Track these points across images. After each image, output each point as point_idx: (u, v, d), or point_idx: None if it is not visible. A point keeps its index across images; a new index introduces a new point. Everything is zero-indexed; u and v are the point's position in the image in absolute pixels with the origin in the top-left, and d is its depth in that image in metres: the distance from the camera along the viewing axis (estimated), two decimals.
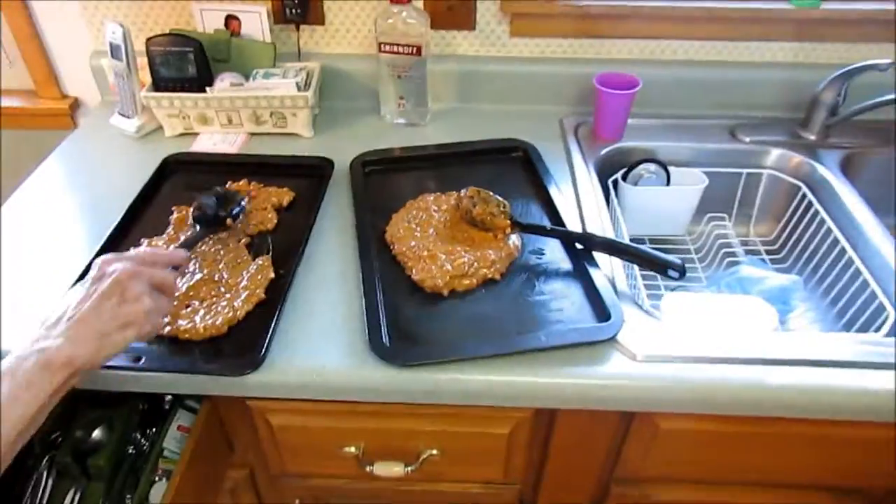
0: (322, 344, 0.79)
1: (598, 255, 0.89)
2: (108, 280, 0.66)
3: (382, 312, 0.82)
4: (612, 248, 0.88)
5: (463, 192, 0.94)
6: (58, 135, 1.28)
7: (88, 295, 0.65)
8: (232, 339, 0.79)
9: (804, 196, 1.07)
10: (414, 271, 0.86)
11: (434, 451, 0.87)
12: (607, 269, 0.88)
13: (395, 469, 0.87)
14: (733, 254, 1.12)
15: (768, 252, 1.14)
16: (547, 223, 0.96)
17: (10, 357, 0.60)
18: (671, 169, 1.12)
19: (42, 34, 1.24)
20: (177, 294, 0.81)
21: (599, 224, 0.97)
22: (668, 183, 1.13)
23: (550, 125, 1.20)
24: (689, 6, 1.15)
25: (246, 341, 0.78)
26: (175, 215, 0.96)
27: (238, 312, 0.80)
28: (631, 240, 1.09)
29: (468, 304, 0.84)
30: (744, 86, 1.21)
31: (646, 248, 0.86)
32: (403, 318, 0.82)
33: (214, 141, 1.13)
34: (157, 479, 0.85)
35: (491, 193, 0.93)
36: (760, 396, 0.75)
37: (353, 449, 0.87)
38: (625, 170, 1.12)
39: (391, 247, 0.92)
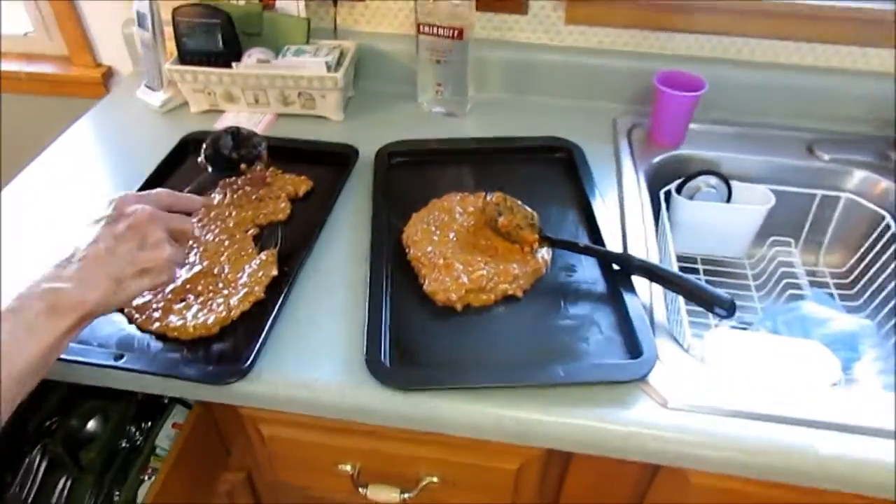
0: (317, 356, 0.72)
1: (637, 279, 0.78)
2: (126, 221, 0.62)
3: (386, 326, 0.74)
4: (653, 274, 0.77)
5: (489, 196, 0.84)
6: (90, 103, 1.25)
7: (104, 235, 0.61)
8: (222, 341, 0.73)
9: (888, 227, 0.93)
10: (427, 281, 0.78)
11: (434, 479, 0.79)
12: (646, 294, 0.78)
13: (390, 495, 0.79)
14: (797, 285, 0.99)
15: (838, 286, 1.01)
16: (583, 237, 0.86)
17: (14, 297, 0.55)
18: (734, 184, 1.00)
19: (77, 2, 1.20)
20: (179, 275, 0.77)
21: (643, 240, 0.86)
22: (728, 199, 1.00)
23: (602, 124, 1.09)
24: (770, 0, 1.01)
25: (235, 346, 0.72)
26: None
27: (232, 312, 0.74)
28: (680, 259, 0.99)
29: (483, 323, 0.75)
30: (829, 95, 1.06)
31: (692, 278, 0.75)
32: (409, 333, 0.74)
33: (239, 120, 1.07)
34: (146, 477, 0.80)
35: (519, 203, 0.84)
36: (810, 466, 0.63)
37: (348, 467, 0.80)
38: (680, 181, 1.00)
39: (407, 250, 0.83)
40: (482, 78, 1.13)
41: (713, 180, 1.00)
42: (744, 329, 0.93)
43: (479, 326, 0.75)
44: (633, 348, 0.71)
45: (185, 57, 1.05)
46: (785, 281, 0.98)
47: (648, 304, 0.77)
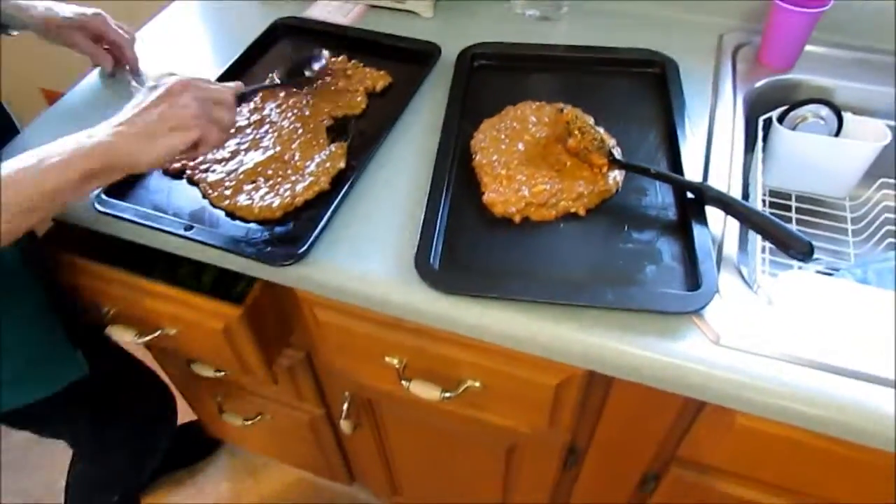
0: (371, 250, 0.74)
1: (712, 210, 0.74)
2: (161, 88, 0.68)
3: (441, 229, 0.74)
4: (728, 206, 0.73)
5: (564, 108, 0.80)
6: None
7: (141, 102, 0.68)
8: (283, 225, 0.76)
9: None
10: (486, 192, 0.77)
11: (476, 383, 0.81)
12: (718, 227, 0.74)
13: (431, 392, 0.82)
14: None
15: None
16: (661, 162, 0.82)
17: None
18: (846, 116, 0.90)
19: None
20: (244, 165, 0.81)
21: (727, 170, 0.81)
22: (837, 133, 0.91)
23: (707, 40, 1.00)
24: None
25: (295, 231, 0.75)
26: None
27: (296, 199, 0.77)
28: (772, 194, 0.93)
29: (540, 238, 0.74)
30: None
31: (769, 215, 0.70)
32: (463, 239, 0.74)
33: (329, 9, 1.06)
34: None
35: (591, 123, 0.80)
36: (870, 425, 0.60)
37: (394, 361, 0.83)
38: (784, 109, 0.92)
39: (473, 156, 0.82)
40: None
41: (823, 111, 0.91)
42: (828, 275, 0.87)
43: (534, 241, 0.74)
44: (693, 281, 0.69)
45: None
46: (886, 228, 0.90)
47: (720, 237, 0.74)
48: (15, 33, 0.92)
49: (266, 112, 0.88)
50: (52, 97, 1.84)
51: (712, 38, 1.00)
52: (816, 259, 0.88)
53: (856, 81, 0.92)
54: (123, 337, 0.87)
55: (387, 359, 0.83)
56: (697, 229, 0.72)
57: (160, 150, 0.66)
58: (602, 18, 1.04)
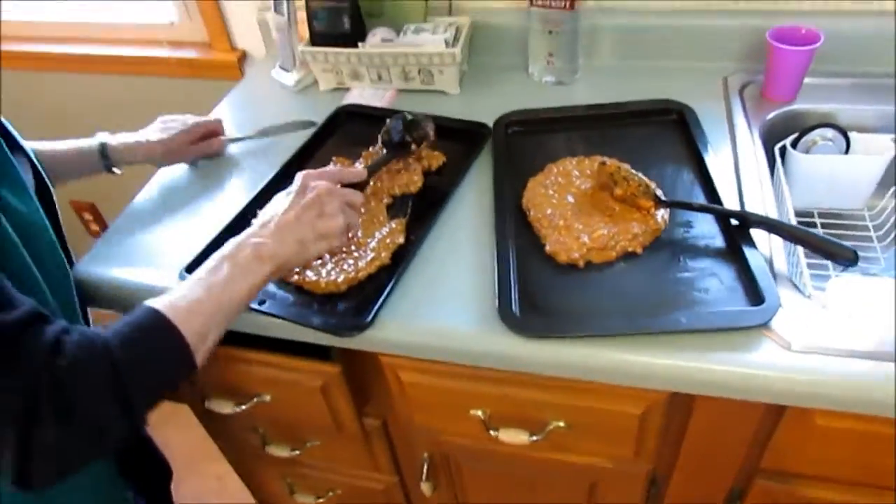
0: (448, 307, 0.79)
1: (756, 232, 0.81)
2: (310, 194, 0.75)
3: (514, 280, 0.80)
4: (774, 227, 0.80)
5: (604, 161, 0.89)
6: (227, 84, 1.37)
7: (293, 205, 0.74)
8: (348, 298, 0.82)
9: None
10: (548, 242, 0.84)
11: (561, 423, 0.85)
12: (764, 245, 0.81)
13: (520, 437, 0.86)
14: None
15: None
16: (699, 196, 0.90)
17: (229, 244, 0.70)
18: (852, 135, 0.99)
19: None
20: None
21: (760, 196, 0.88)
22: (846, 151, 1.00)
23: (713, 84, 1.10)
24: None
25: (359, 303, 0.81)
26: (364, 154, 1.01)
27: (360, 273, 0.82)
28: (797, 213, 1.00)
29: (605, 278, 0.81)
30: None
31: (814, 231, 0.77)
32: (535, 287, 0.80)
33: (365, 96, 1.16)
34: None
35: (631, 171, 0.88)
36: None
37: (479, 412, 0.88)
38: (795, 136, 1.01)
39: (527, 212, 0.89)
40: (590, 45, 1.17)
41: (830, 133, 1.00)
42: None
43: (600, 280, 0.80)
44: (755, 296, 0.75)
45: (316, 39, 1.14)
46: None
47: (768, 252, 0.80)
48: (119, 171, 0.99)
49: (372, 164, 0.94)
50: (80, 208, 1.91)
51: (717, 81, 1.10)
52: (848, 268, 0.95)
53: (855, 104, 1.02)
54: (223, 409, 0.92)
55: (471, 412, 0.88)
56: (749, 251, 0.79)
57: (309, 257, 0.74)
58: (612, 77, 1.15)
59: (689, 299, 0.76)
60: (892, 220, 1.01)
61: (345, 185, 0.82)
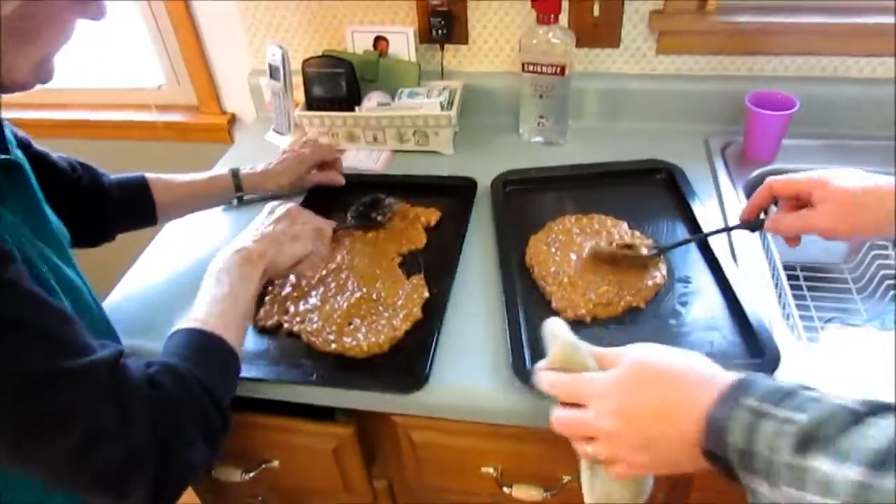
0: (469, 365, 0.80)
1: (756, 286, 0.85)
2: (280, 210, 0.84)
3: (524, 336, 0.82)
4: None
5: (601, 242, 0.93)
6: (215, 147, 1.38)
7: (265, 223, 0.82)
8: (393, 357, 0.82)
9: None
10: (553, 299, 0.86)
11: (570, 478, 0.86)
12: (759, 297, 0.85)
13: (532, 493, 0.87)
14: None
15: None
16: (696, 251, 0.93)
17: (216, 260, 0.76)
18: None
19: (208, 55, 1.34)
20: (332, 314, 0.86)
21: (750, 251, 0.93)
22: None
23: (696, 145, 1.16)
24: (850, 22, 1.08)
25: (407, 360, 0.81)
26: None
27: (398, 332, 0.83)
28: (785, 267, 1.05)
29: (611, 332, 0.83)
30: None
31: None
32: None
33: (360, 158, 1.18)
34: None
35: (626, 241, 0.92)
36: None
37: (491, 470, 0.88)
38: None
39: (531, 270, 0.92)
40: (579, 107, 1.22)
41: None
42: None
43: (608, 335, 0.82)
44: (756, 349, 0.78)
45: (313, 103, 1.17)
46: (886, 283, 1.03)
47: (762, 304, 0.84)
48: (247, 197, 1.08)
49: (339, 259, 0.95)
50: None
51: (699, 142, 1.16)
52: (837, 317, 1.00)
53: (829, 164, 1.07)
54: (231, 477, 0.89)
55: (483, 469, 0.88)
56: (746, 304, 0.82)
57: (288, 255, 0.80)
58: (600, 138, 1.20)
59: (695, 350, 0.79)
60: (870, 271, 1.06)
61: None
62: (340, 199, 1.09)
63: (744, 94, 1.09)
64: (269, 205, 0.86)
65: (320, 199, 1.09)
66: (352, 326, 0.84)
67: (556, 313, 0.85)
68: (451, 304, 0.88)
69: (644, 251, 0.90)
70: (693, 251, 0.94)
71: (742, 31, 1.12)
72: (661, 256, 0.90)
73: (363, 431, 0.90)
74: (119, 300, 0.95)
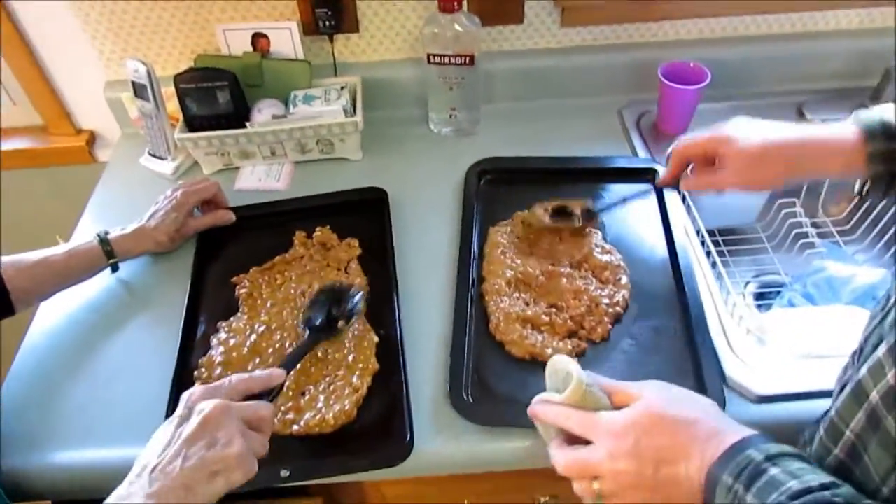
0: (446, 414, 0.74)
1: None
2: (195, 421, 0.58)
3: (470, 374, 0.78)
4: None
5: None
6: (75, 170, 1.19)
7: (175, 438, 0.58)
8: (364, 423, 0.74)
9: None
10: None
11: (546, 498, 0.86)
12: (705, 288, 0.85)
13: None
14: (805, 233, 1.09)
15: (840, 233, 1.11)
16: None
17: None
18: None
19: (47, 70, 1.12)
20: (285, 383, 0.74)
21: (681, 220, 0.95)
22: None
23: (610, 119, 1.14)
24: None
25: (382, 424, 0.74)
26: (242, 291, 0.89)
27: (360, 392, 0.75)
28: (708, 231, 1.06)
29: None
30: (812, 58, 1.15)
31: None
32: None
33: (259, 176, 1.05)
34: None
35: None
36: None
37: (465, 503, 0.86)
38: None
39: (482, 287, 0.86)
40: (488, 90, 1.15)
41: None
42: (777, 292, 1.03)
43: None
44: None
45: (193, 122, 1.01)
46: (794, 232, 1.07)
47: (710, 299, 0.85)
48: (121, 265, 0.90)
49: (264, 318, 0.85)
50: None
51: (612, 115, 1.14)
52: (762, 273, 1.05)
53: None
54: None
55: None
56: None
57: (204, 500, 0.56)
58: (512, 122, 1.14)
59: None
60: (783, 229, 1.11)
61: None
62: (241, 237, 0.97)
63: (652, 62, 1.07)
64: (182, 401, 0.61)
65: (215, 246, 0.96)
66: (307, 397, 0.76)
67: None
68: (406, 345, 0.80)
69: (577, 212, 0.91)
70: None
71: None
72: (594, 220, 0.92)
73: (330, 496, 0.84)
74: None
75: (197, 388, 0.63)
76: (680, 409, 0.58)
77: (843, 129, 0.72)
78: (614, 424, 0.58)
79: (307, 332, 0.80)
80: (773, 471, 0.49)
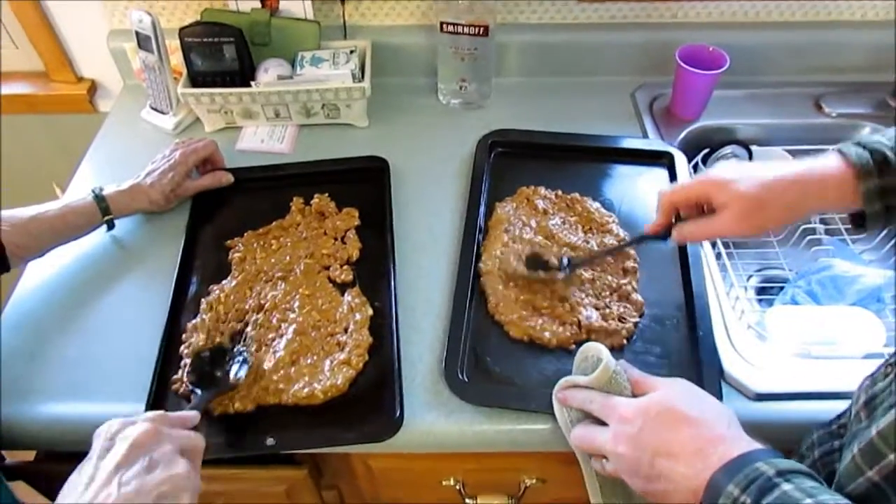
0: (437, 393, 0.74)
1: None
2: (121, 446, 0.51)
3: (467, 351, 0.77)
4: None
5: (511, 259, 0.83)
6: (75, 119, 1.17)
7: (97, 471, 0.50)
8: (355, 397, 0.73)
9: None
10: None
11: (534, 480, 0.85)
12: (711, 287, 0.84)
13: (496, 503, 0.85)
14: (813, 230, 1.07)
15: (849, 230, 1.09)
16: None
17: None
18: (753, 148, 1.05)
19: (51, 16, 1.09)
20: (273, 362, 0.74)
21: None
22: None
23: (622, 100, 1.11)
24: None
25: (372, 400, 0.73)
26: (236, 255, 0.87)
27: (352, 365, 0.74)
28: None
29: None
30: (832, 48, 1.12)
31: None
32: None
33: (261, 137, 1.03)
34: None
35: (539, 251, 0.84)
36: None
37: (452, 482, 0.85)
38: (706, 152, 1.05)
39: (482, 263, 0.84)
40: (500, 63, 1.12)
41: (737, 148, 1.05)
42: (780, 288, 1.01)
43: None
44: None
45: (197, 78, 0.99)
46: (804, 231, 1.06)
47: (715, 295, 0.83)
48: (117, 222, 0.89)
49: (259, 289, 0.83)
50: None
51: (625, 97, 1.11)
52: (767, 267, 1.03)
53: (751, 118, 1.08)
54: None
55: (444, 482, 0.85)
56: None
57: None
58: (523, 97, 1.12)
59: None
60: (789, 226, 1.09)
61: None
62: (237, 200, 0.95)
63: (668, 43, 1.04)
64: (98, 437, 0.53)
65: (211, 207, 0.93)
66: (298, 366, 0.74)
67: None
68: (400, 319, 0.79)
69: (554, 262, 0.81)
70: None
71: None
72: (573, 275, 0.82)
73: (316, 466, 0.84)
74: None
75: (113, 421, 0.54)
76: (692, 407, 0.57)
77: (834, 162, 0.65)
78: (627, 409, 0.59)
79: (196, 391, 0.70)
80: (786, 486, 0.47)
